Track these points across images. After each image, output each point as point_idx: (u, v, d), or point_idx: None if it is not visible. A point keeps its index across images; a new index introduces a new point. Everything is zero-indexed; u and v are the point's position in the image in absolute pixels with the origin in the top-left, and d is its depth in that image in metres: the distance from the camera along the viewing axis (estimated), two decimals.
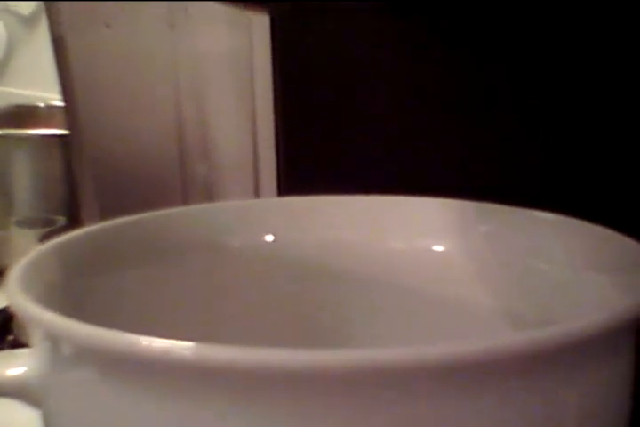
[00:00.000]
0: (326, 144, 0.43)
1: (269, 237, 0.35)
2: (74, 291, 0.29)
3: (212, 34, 0.42)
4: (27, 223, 0.69)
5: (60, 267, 0.29)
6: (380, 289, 0.35)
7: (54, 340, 0.23)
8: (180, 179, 0.51)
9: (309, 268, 0.35)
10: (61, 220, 0.71)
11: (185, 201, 0.51)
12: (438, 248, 0.34)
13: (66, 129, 0.51)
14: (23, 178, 0.70)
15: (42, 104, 0.87)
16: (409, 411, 0.20)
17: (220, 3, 0.39)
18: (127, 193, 0.51)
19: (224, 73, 0.43)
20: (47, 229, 0.69)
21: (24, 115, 0.85)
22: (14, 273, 0.26)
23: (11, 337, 0.57)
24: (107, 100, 0.46)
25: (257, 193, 0.48)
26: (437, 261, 0.34)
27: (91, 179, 0.51)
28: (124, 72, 0.45)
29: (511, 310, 0.33)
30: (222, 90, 0.44)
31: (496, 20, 0.40)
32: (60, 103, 0.53)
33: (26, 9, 1.16)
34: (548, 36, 0.40)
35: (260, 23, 0.38)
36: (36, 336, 0.24)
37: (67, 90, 0.46)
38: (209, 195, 0.50)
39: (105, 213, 0.56)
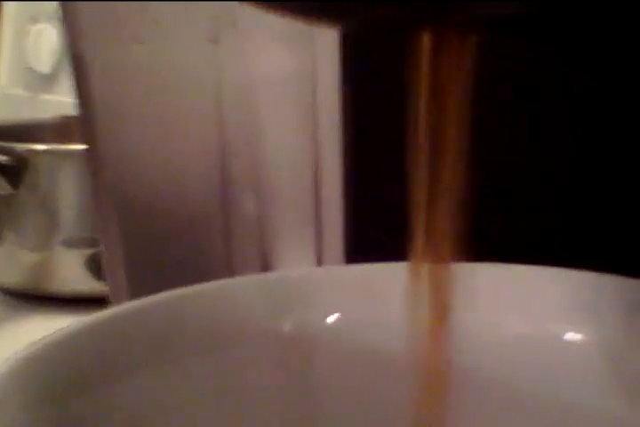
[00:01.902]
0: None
1: (331, 317, 0.27)
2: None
3: (265, 51, 0.35)
4: (72, 243, 0.64)
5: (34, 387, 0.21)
6: (487, 391, 0.27)
7: None
8: (222, 215, 0.43)
9: (389, 359, 0.27)
10: None
11: (227, 242, 0.44)
12: (570, 335, 0.26)
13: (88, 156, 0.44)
14: (69, 195, 0.65)
15: None
16: None
17: (277, 14, 0.31)
18: (156, 227, 0.44)
19: (281, 98, 0.35)
20: (92, 251, 0.64)
21: (72, 126, 0.81)
22: None
23: None
24: (136, 126, 0.39)
25: (319, 235, 0.41)
26: (565, 351, 0.26)
27: (113, 208, 0.44)
28: (157, 96, 0.37)
29: None
30: (277, 117, 0.36)
31: None
32: None
33: None
34: None
35: (326, 39, 0.31)
36: None
37: (89, 117, 0.39)
38: (258, 236, 0.43)
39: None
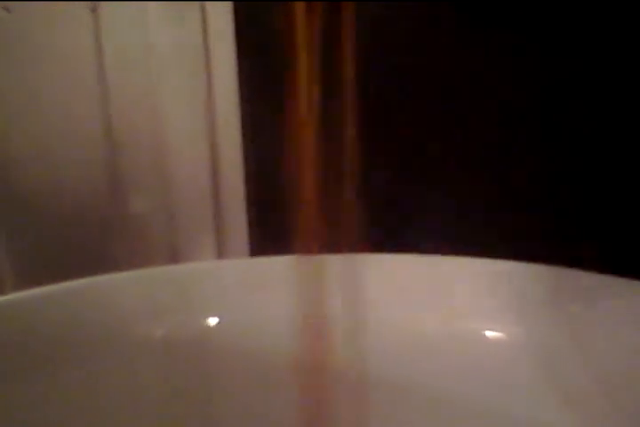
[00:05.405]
0: None
1: (213, 320, 0.23)
2: None
3: (150, 21, 0.31)
4: None
5: None
6: (389, 392, 0.23)
7: None
8: (107, 214, 0.39)
9: (282, 362, 0.23)
10: None
11: (113, 248, 0.39)
12: (493, 334, 0.23)
13: None
14: None
15: None
16: None
17: None
18: (39, 226, 0.39)
19: (171, 72, 0.31)
20: None
21: None
22: None
23: None
24: (8, 106, 0.34)
25: (221, 225, 0.37)
26: (492, 351, 0.22)
27: None
28: (29, 71, 0.33)
29: None
30: (169, 94, 0.32)
31: None
32: None
33: None
34: None
35: (218, 10, 0.27)
36: None
37: None
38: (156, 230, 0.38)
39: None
